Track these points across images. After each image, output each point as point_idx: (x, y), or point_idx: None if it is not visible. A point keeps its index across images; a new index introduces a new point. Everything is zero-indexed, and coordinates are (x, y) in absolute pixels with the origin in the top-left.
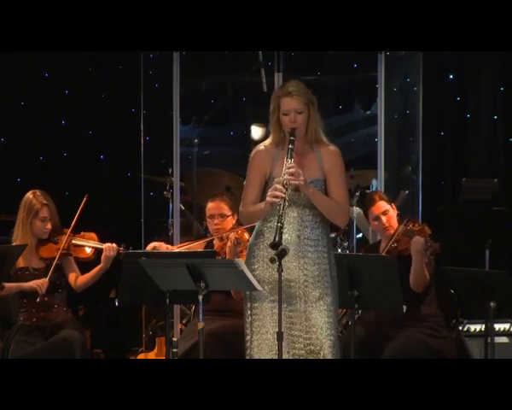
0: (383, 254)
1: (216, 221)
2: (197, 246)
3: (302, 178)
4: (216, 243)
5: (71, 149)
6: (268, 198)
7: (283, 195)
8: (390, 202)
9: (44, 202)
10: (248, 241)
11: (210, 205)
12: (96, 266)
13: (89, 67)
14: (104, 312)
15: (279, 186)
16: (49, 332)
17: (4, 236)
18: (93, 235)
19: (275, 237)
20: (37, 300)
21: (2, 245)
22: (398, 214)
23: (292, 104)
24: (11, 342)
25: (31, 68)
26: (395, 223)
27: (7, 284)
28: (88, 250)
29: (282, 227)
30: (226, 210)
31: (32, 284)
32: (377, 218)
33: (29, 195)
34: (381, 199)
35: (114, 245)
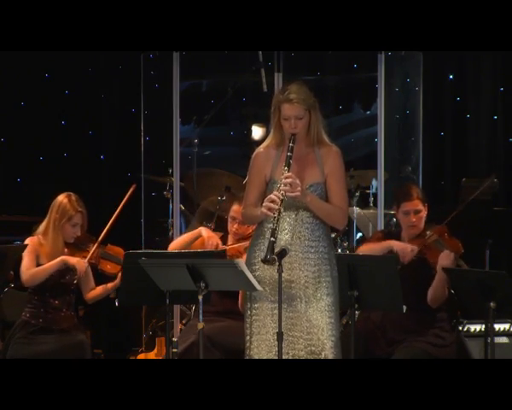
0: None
1: (236, 226)
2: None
3: (299, 188)
4: (231, 240)
5: (71, 149)
6: (263, 209)
7: (277, 207)
8: (425, 201)
9: (79, 209)
10: None
11: (235, 208)
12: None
13: (89, 67)
14: (104, 312)
15: (275, 198)
16: (55, 336)
17: (4, 236)
18: (120, 250)
19: (266, 254)
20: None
21: (2, 245)
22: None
23: (292, 111)
24: (13, 338)
25: (31, 68)
26: (423, 224)
27: (43, 268)
28: (115, 266)
29: (274, 242)
30: None
31: (77, 262)
32: (407, 213)
33: (64, 198)
34: (418, 198)
35: None
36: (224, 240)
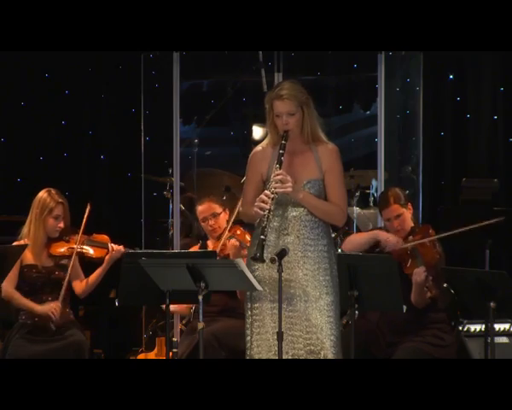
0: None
1: (211, 222)
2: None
3: (290, 184)
4: (212, 243)
5: (71, 149)
6: (255, 208)
7: (268, 206)
8: (406, 202)
9: (59, 200)
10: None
11: (200, 208)
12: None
13: (89, 67)
14: (104, 312)
15: (265, 198)
16: (53, 335)
17: (4, 236)
18: (104, 236)
19: (256, 252)
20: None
21: (2, 245)
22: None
23: (283, 107)
24: (12, 340)
25: (31, 68)
26: (408, 224)
27: (19, 300)
28: (101, 250)
29: (264, 240)
30: (217, 208)
31: (46, 309)
32: (389, 220)
33: (43, 193)
34: (395, 202)
35: (121, 248)
36: (203, 247)
